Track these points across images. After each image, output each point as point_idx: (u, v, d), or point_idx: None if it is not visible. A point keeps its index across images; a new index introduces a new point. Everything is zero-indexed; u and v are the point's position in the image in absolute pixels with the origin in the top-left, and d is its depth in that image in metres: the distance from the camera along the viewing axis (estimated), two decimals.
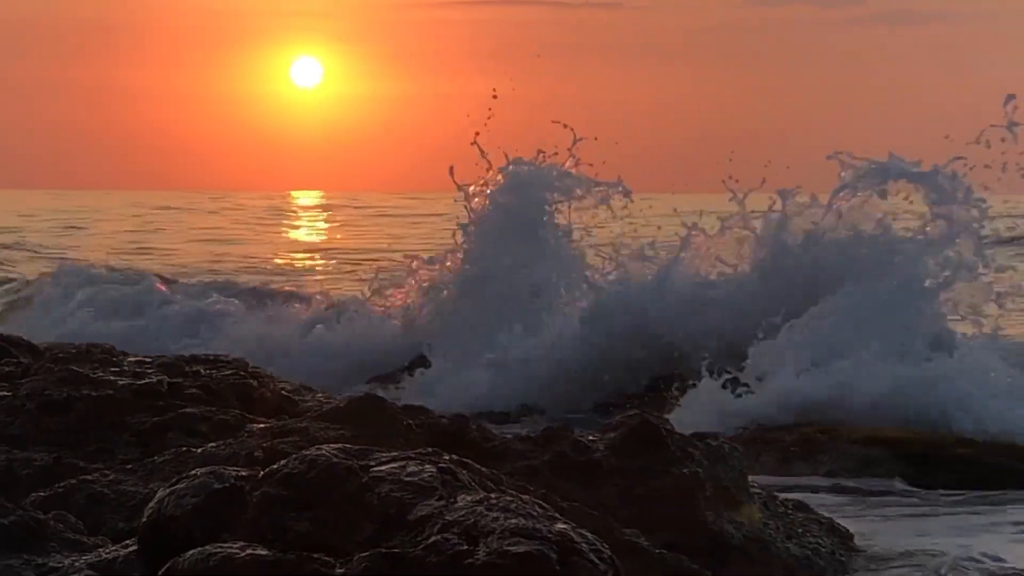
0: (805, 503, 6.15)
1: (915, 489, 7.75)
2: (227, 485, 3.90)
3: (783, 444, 8.69)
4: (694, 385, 9.97)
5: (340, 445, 4.05)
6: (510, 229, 12.86)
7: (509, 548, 3.45)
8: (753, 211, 11.94)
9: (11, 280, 21.61)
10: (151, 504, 3.96)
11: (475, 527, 3.55)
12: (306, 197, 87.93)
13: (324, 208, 66.44)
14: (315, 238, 40.35)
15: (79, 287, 16.84)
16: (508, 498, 3.72)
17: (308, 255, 30.73)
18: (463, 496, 3.74)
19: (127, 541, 4.13)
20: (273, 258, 28.87)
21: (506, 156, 13.03)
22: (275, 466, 3.92)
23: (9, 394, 6.34)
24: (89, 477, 5.25)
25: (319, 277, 24.68)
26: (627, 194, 12.59)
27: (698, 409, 9.46)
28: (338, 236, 39.71)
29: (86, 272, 17.88)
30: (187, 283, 18.81)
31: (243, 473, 3.98)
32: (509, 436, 5.81)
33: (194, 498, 3.87)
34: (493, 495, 3.77)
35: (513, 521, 3.56)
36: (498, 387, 11.28)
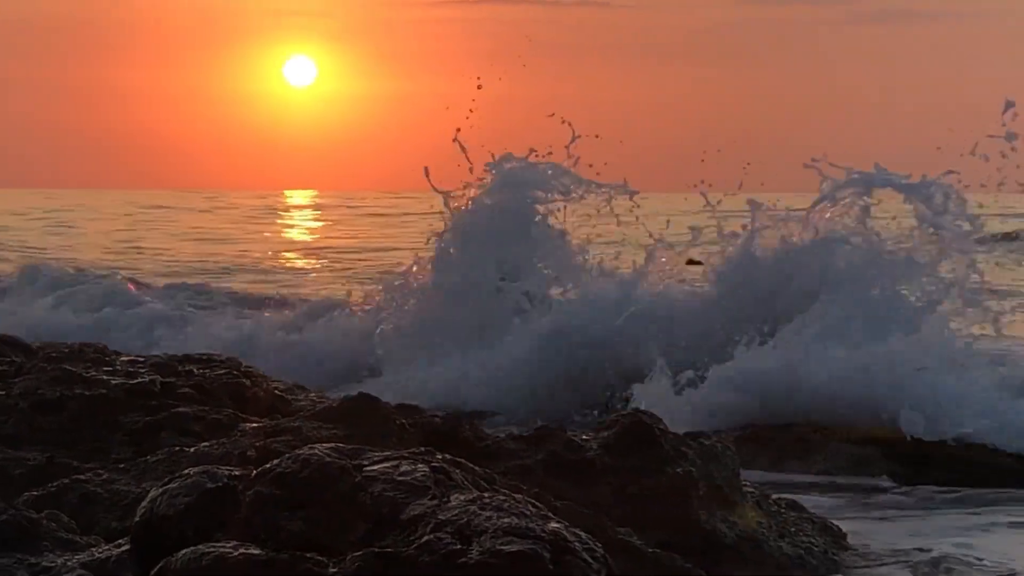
0: (798, 502, 6.15)
1: (908, 488, 7.76)
2: (220, 484, 3.90)
3: (776, 443, 8.70)
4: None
5: (333, 444, 4.05)
6: (494, 234, 12.36)
7: (502, 547, 3.45)
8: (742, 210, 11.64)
9: None
10: (144, 503, 3.96)
11: (468, 526, 3.56)
12: (299, 196, 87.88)
13: (317, 207, 66.47)
14: (306, 237, 40.31)
15: (45, 286, 16.84)
16: (501, 497, 3.73)
17: (296, 255, 30.69)
18: (456, 495, 3.74)
19: (120, 540, 4.13)
20: (261, 258, 28.80)
21: (492, 156, 12.57)
22: (268, 465, 3.92)
23: (2, 393, 6.34)
24: (82, 476, 5.24)
25: (310, 277, 24.64)
26: (632, 196, 12.12)
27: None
28: (328, 235, 39.70)
29: (52, 271, 17.91)
30: (157, 286, 18.66)
31: (236, 472, 3.98)
32: (502, 436, 5.81)
33: (187, 497, 3.87)
34: (486, 494, 3.77)
35: (506, 520, 3.56)
36: (439, 404, 10.30)
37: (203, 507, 3.85)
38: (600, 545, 3.63)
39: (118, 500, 5.04)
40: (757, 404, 9.28)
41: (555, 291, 12.29)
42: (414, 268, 12.77)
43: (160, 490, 3.94)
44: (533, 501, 3.81)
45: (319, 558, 3.56)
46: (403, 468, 3.87)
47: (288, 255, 30.38)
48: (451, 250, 12.46)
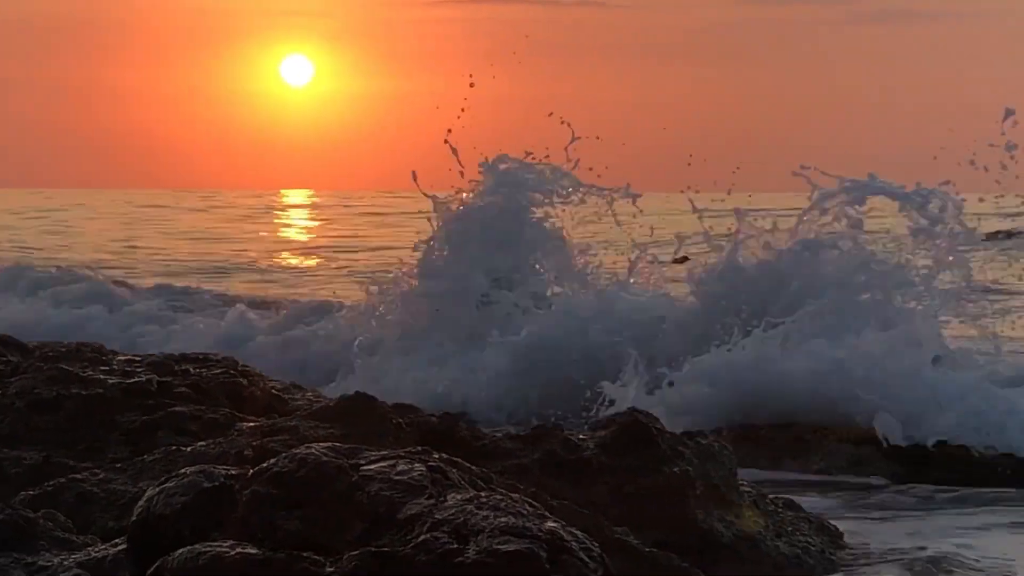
0: (795, 501, 6.15)
1: (906, 487, 7.75)
2: (217, 484, 3.90)
3: (773, 442, 8.69)
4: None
5: (330, 444, 4.05)
6: (485, 239, 11.98)
7: (499, 547, 3.45)
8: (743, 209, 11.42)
9: None
10: (140, 503, 3.95)
11: (465, 526, 3.55)
12: (296, 196, 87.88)
13: (313, 207, 66.45)
14: (300, 237, 40.30)
15: (29, 285, 16.84)
16: (498, 497, 3.72)
17: (290, 254, 30.66)
18: (453, 495, 3.74)
19: (116, 540, 4.13)
20: (256, 258, 28.75)
21: (485, 159, 12.15)
22: (265, 465, 3.91)
23: None
24: (78, 476, 5.24)
25: (301, 277, 24.59)
26: (634, 199, 11.83)
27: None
28: (322, 235, 39.68)
29: (34, 271, 17.92)
30: (142, 287, 18.60)
31: (233, 472, 3.97)
32: (499, 435, 5.81)
33: (183, 497, 3.87)
34: (483, 494, 3.77)
35: (503, 520, 3.56)
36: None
37: (200, 506, 3.84)
38: (597, 544, 3.63)
39: (115, 499, 5.04)
40: (730, 401, 9.15)
41: (555, 291, 12.05)
42: (400, 274, 12.47)
43: (157, 489, 3.94)
44: (530, 500, 3.81)
45: (316, 557, 3.56)
46: (400, 467, 3.87)
47: (282, 255, 30.35)
48: (437, 257, 12.15)
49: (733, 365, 9.45)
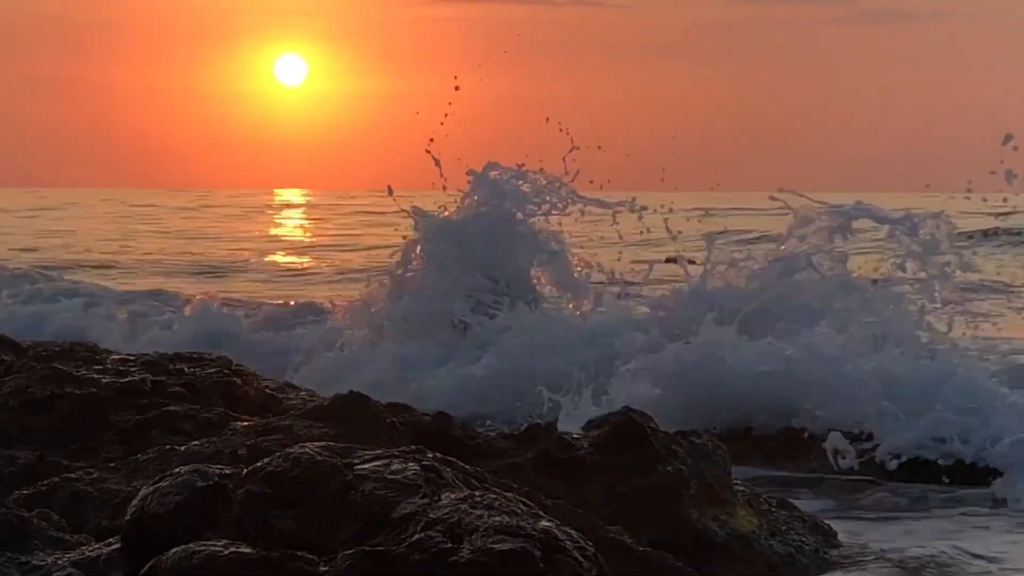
0: (789, 501, 6.16)
1: (901, 486, 7.75)
2: (211, 483, 3.90)
3: (768, 441, 8.68)
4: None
5: (324, 443, 4.05)
6: (470, 255, 11.58)
7: (493, 546, 3.45)
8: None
9: None
10: (134, 502, 3.95)
11: (459, 525, 3.56)
12: (289, 195, 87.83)
13: (306, 206, 66.40)
14: (293, 236, 40.28)
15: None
16: (492, 496, 3.73)
17: (283, 254, 30.61)
18: (447, 494, 3.74)
19: (110, 539, 4.13)
20: (247, 257, 28.69)
21: (471, 172, 11.67)
22: (259, 464, 3.91)
23: None
24: (72, 475, 5.24)
25: (290, 277, 24.54)
26: (640, 212, 11.45)
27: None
28: (314, 234, 39.68)
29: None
30: (117, 290, 18.49)
31: (227, 471, 3.98)
32: (493, 434, 5.81)
33: (177, 496, 3.87)
34: (477, 493, 3.77)
35: (497, 519, 3.56)
36: None
37: (194, 506, 3.84)
38: (591, 544, 3.63)
39: (109, 499, 5.03)
40: (677, 399, 8.83)
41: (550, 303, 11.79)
42: (376, 287, 12.17)
43: (151, 488, 3.94)
44: (524, 500, 3.81)
45: (310, 556, 3.56)
46: (394, 466, 3.87)
47: (276, 254, 30.30)
48: (414, 276, 11.79)
49: (681, 364, 9.23)
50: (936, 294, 9.76)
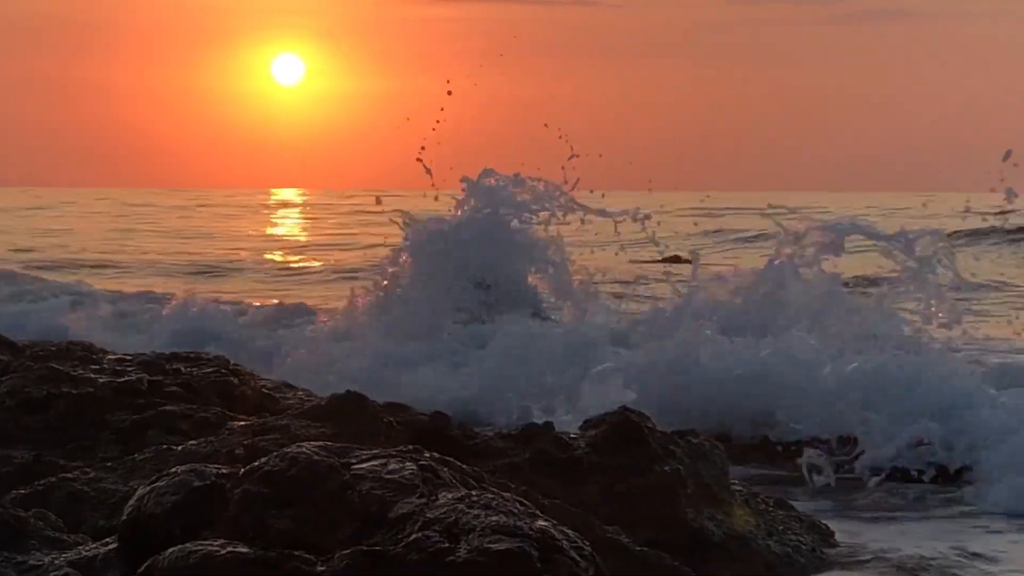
0: (786, 500, 6.16)
1: (898, 486, 7.75)
2: (208, 483, 3.90)
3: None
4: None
5: (321, 443, 4.05)
6: (464, 262, 11.47)
7: (490, 545, 3.45)
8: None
9: None
10: (131, 502, 3.95)
11: (456, 524, 3.55)
12: (286, 195, 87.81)
13: (302, 206, 66.42)
14: (289, 236, 40.26)
15: None
16: (489, 495, 3.72)
17: (280, 254, 30.58)
18: (444, 493, 3.74)
19: (107, 539, 4.12)
20: (243, 257, 28.64)
21: (465, 179, 11.51)
22: (256, 464, 3.91)
23: None
24: (69, 475, 5.24)
25: (280, 277, 24.51)
26: (644, 219, 11.30)
27: None
28: (311, 234, 39.66)
29: None
30: (102, 291, 18.46)
31: (224, 471, 3.97)
32: (490, 434, 5.81)
33: (174, 496, 3.87)
34: (474, 492, 3.77)
35: (494, 518, 3.56)
36: None
37: (191, 505, 3.84)
38: (588, 543, 3.63)
39: (105, 498, 5.03)
40: (646, 404, 8.78)
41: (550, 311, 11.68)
42: (362, 295, 12.03)
43: (147, 488, 3.94)
44: (521, 499, 3.81)
45: (307, 556, 3.56)
46: (391, 466, 3.87)
47: (272, 253, 30.27)
48: (402, 290, 11.63)
49: (652, 365, 9.15)
50: (933, 308, 9.65)
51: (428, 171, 11.66)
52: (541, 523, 3.60)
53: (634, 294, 12.06)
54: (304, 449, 3.93)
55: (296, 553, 3.56)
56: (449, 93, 11.77)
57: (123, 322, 14.03)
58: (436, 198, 11.84)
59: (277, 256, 29.40)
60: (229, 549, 3.55)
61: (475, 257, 11.65)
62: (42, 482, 5.15)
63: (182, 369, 6.78)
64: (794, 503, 6.21)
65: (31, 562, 4.06)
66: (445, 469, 3.96)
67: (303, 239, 37.74)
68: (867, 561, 5.74)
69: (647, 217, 11.47)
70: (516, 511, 3.64)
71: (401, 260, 11.87)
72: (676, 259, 15.47)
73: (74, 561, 4.02)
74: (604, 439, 5.53)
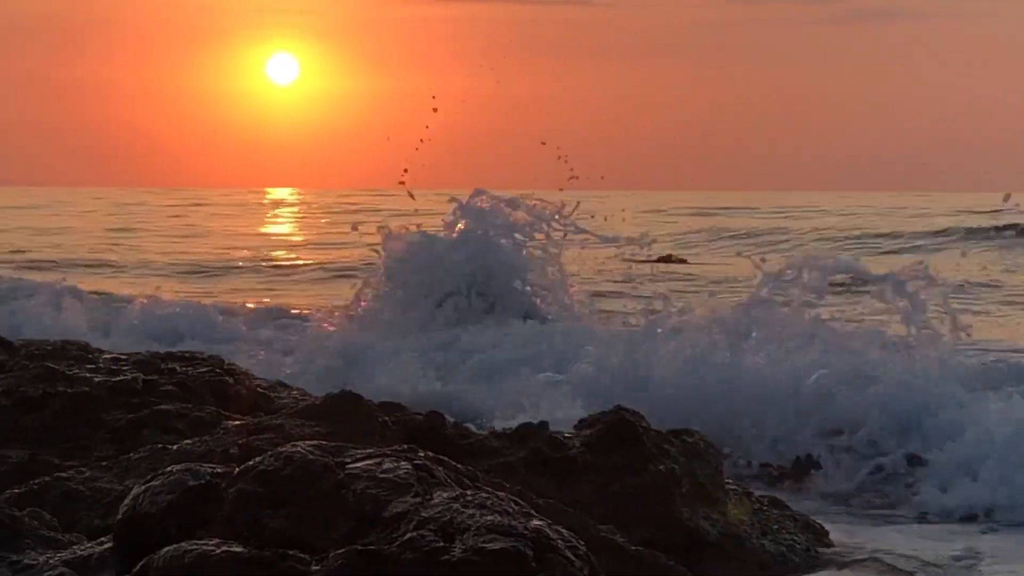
0: (780, 499, 6.16)
1: (892, 487, 7.74)
2: (203, 482, 3.90)
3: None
4: None
5: (316, 442, 4.05)
6: (453, 280, 11.36)
7: (485, 545, 3.45)
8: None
9: None
10: (126, 501, 3.95)
11: (451, 524, 3.55)
12: (280, 194, 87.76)
13: (296, 205, 66.38)
14: (285, 235, 40.25)
15: None
16: (484, 495, 3.73)
17: (279, 253, 30.55)
18: (439, 493, 3.74)
19: (102, 538, 4.12)
20: (236, 256, 28.59)
21: (458, 201, 11.32)
22: (251, 463, 3.91)
23: None
24: (64, 474, 5.23)
25: (284, 277, 24.49)
26: (647, 245, 11.21)
27: None
28: (306, 233, 39.66)
29: None
30: (94, 294, 18.41)
31: (219, 470, 3.97)
32: (485, 433, 5.81)
33: (169, 495, 3.87)
34: (469, 492, 3.77)
35: (489, 518, 3.56)
36: None
37: (186, 505, 3.84)
38: (583, 543, 3.63)
39: (100, 498, 5.03)
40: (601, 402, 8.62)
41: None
42: (336, 318, 11.87)
43: (143, 488, 3.94)
44: (516, 499, 3.81)
45: (302, 555, 3.56)
46: (386, 465, 3.87)
47: (267, 253, 30.24)
48: (381, 310, 11.51)
49: (611, 372, 9.07)
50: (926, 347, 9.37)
51: (411, 195, 11.62)
52: (536, 522, 3.60)
53: (632, 293, 11.99)
54: (299, 448, 3.93)
55: (291, 552, 3.56)
56: (435, 111, 11.65)
57: (97, 319, 13.99)
58: (418, 226, 11.70)
59: (271, 255, 29.40)
60: (224, 548, 3.55)
61: (466, 269, 11.53)
62: (37, 481, 5.15)
63: (177, 368, 6.78)
64: (788, 503, 6.22)
65: (26, 561, 4.06)
66: (440, 468, 3.96)
67: (299, 238, 37.72)
68: (861, 560, 5.74)
69: (653, 241, 11.34)
70: (511, 510, 3.64)
71: (377, 280, 11.76)
72: (668, 258, 15.48)
73: (69, 560, 4.02)
74: (599, 438, 5.53)
